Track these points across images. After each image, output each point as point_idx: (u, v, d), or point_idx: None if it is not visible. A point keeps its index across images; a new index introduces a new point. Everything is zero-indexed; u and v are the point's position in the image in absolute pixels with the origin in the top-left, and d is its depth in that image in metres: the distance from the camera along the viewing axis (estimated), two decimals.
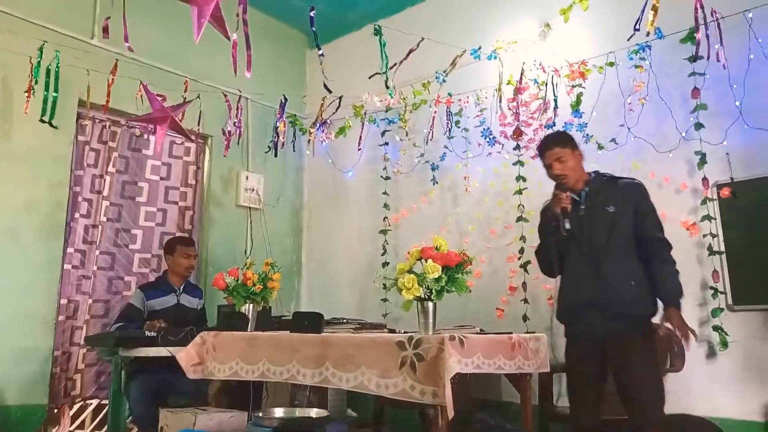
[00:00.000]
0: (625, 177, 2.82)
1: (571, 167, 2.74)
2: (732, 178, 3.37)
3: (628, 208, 2.66)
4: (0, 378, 3.55)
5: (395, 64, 4.26)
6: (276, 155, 5.17)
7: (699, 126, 3.46)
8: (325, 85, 4.17)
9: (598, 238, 2.66)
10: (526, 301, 4.00)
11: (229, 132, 4.78)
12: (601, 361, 2.62)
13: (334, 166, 5.34)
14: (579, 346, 2.71)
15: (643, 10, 3.35)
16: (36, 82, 3.69)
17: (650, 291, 2.63)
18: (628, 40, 3.57)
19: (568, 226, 2.68)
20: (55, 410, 3.84)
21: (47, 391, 3.77)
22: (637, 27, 3.41)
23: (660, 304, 2.63)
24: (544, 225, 2.91)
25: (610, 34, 3.89)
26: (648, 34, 3.45)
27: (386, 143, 4.98)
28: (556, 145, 2.77)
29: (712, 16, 3.36)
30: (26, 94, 3.66)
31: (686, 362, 3.25)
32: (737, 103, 3.37)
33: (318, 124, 5.20)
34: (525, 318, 3.96)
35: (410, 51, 4.26)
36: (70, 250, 4.05)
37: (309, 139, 5.34)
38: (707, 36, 3.35)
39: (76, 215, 4.11)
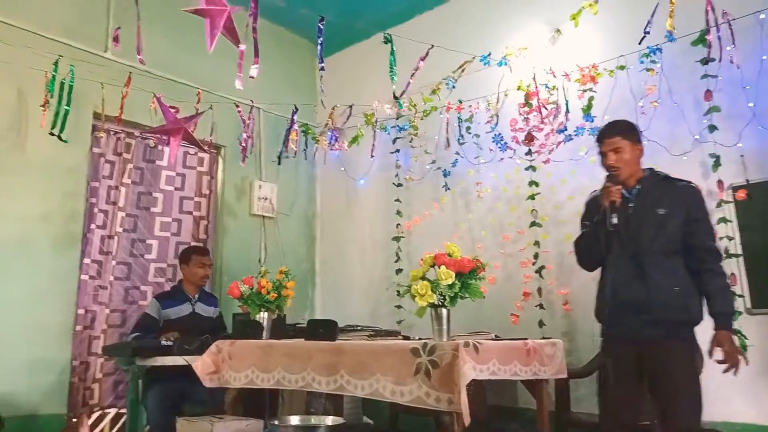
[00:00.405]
0: (682, 179, 2.65)
1: (627, 160, 2.59)
2: (747, 180, 3.35)
3: (681, 212, 2.52)
4: (19, 388, 3.60)
5: (413, 74, 4.25)
6: (279, 163, 5.19)
7: (713, 128, 3.44)
8: (321, 90, 4.18)
9: (644, 239, 2.53)
10: (541, 306, 3.98)
11: (246, 140, 4.82)
12: (637, 364, 2.53)
13: (346, 174, 5.37)
14: (616, 348, 2.62)
15: (653, 14, 3.34)
16: (52, 96, 3.75)
17: (695, 299, 2.51)
18: (639, 43, 3.56)
19: (615, 220, 2.54)
20: (74, 419, 3.89)
21: (66, 401, 3.82)
22: (647, 30, 3.39)
23: (706, 315, 2.52)
24: (587, 216, 2.77)
25: (620, 38, 3.89)
26: (670, 33, 3.43)
27: (397, 150, 5.00)
28: (618, 134, 2.61)
29: (723, 17, 3.34)
30: (41, 106, 3.72)
31: (704, 366, 3.22)
32: (750, 105, 3.35)
33: (329, 133, 5.23)
34: (541, 324, 3.94)
35: (421, 59, 4.26)
36: (86, 260, 4.10)
37: (317, 148, 5.36)
38: (719, 38, 3.34)
39: (93, 226, 4.16)
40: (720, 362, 2.43)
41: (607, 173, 2.64)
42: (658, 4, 3.33)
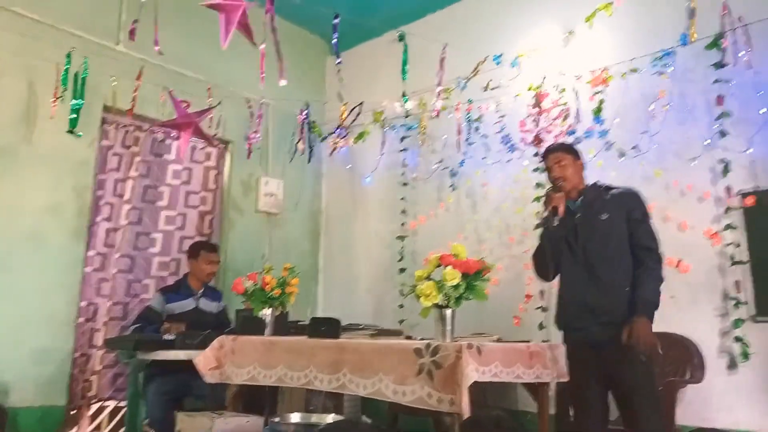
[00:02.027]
0: (620, 186, 2.84)
1: (570, 173, 2.80)
2: (757, 187, 3.31)
3: (622, 216, 2.69)
4: (20, 378, 3.60)
5: (438, 80, 4.24)
6: (291, 161, 5.18)
7: (723, 134, 3.42)
8: (339, 95, 4.17)
9: (592, 245, 2.70)
10: (543, 309, 3.96)
11: (252, 135, 4.82)
12: (600, 367, 2.61)
13: (352, 171, 5.35)
14: (577, 353, 2.71)
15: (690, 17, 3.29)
16: (65, 89, 3.75)
17: None
18: (684, 41, 3.48)
19: (556, 223, 2.72)
20: (72, 411, 3.89)
21: (66, 393, 3.82)
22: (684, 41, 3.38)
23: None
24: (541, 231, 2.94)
25: (633, 41, 3.86)
26: (684, 36, 3.44)
27: (405, 149, 4.98)
28: (559, 150, 2.89)
29: (738, 22, 3.31)
30: (52, 100, 3.72)
31: (706, 374, 3.20)
32: (762, 111, 3.32)
33: (338, 130, 5.22)
34: (541, 326, 3.93)
35: (440, 60, 4.24)
36: (91, 252, 4.10)
37: (330, 145, 5.33)
38: (734, 42, 3.31)
39: (98, 219, 4.17)
40: (628, 345, 2.46)
41: (552, 185, 2.81)
42: (690, 8, 3.29)
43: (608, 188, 2.82)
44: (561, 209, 2.73)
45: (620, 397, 2.58)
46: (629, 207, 2.71)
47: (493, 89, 4.44)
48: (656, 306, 2.56)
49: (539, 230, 2.98)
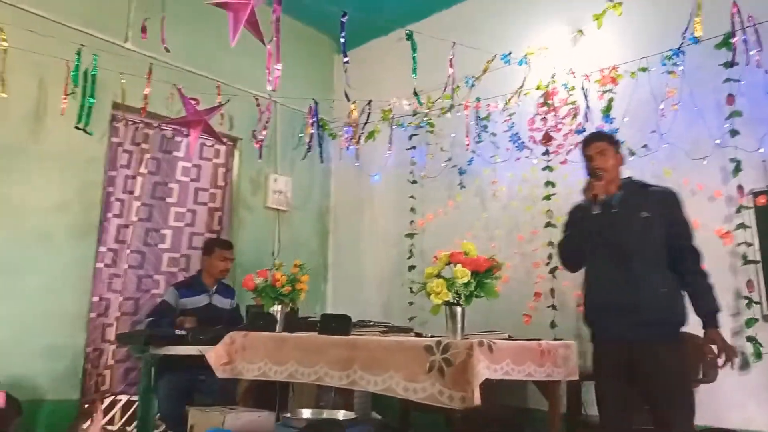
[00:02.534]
0: (659, 185, 2.80)
1: (611, 165, 2.74)
2: None
3: (662, 215, 2.64)
4: (34, 373, 3.64)
5: (449, 79, 4.25)
6: (304, 158, 5.19)
7: (734, 133, 3.41)
8: (345, 94, 4.17)
9: (629, 242, 2.63)
10: (554, 307, 3.96)
11: (261, 132, 4.83)
12: (628, 366, 2.58)
13: (361, 169, 5.36)
14: (606, 351, 2.67)
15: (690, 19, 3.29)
16: (76, 86, 3.77)
17: (680, 300, 2.61)
18: (682, 43, 3.46)
19: (598, 210, 2.67)
20: (86, 405, 3.92)
21: (79, 387, 3.86)
22: (684, 35, 3.36)
23: (693, 315, 2.60)
24: (570, 221, 2.91)
25: (642, 40, 3.86)
26: (693, 36, 3.41)
27: (413, 147, 4.99)
28: (602, 139, 2.82)
29: (748, 21, 3.30)
30: (62, 97, 3.74)
31: (718, 373, 3.19)
32: None
33: (346, 128, 5.22)
34: (553, 325, 3.93)
35: (450, 58, 4.23)
36: (102, 248, 4.13)
37: (342, 144, 5.33)
38: (744, 41, 3.30)
39: (109, 215, 4.20)
40: (713, 359, 2.55)
41: (592, 176, 2.75)
42: (693, 8, 3.29)
43: (645, 185, 2.79)
44: (601, 197, 2.68)
45: (653, 398, 2.53)
46: (669, 207, 2.68)
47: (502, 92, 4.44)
48: (720, 311, 2.58)
49: (564, 218, 2.96)
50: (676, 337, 2.59)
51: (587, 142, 2.83)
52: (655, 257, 2.61)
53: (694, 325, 2.65)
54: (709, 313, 2.56)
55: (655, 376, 2.51)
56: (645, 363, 2.54)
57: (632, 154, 3.74)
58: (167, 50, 3.62)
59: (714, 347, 2.53)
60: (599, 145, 2.77)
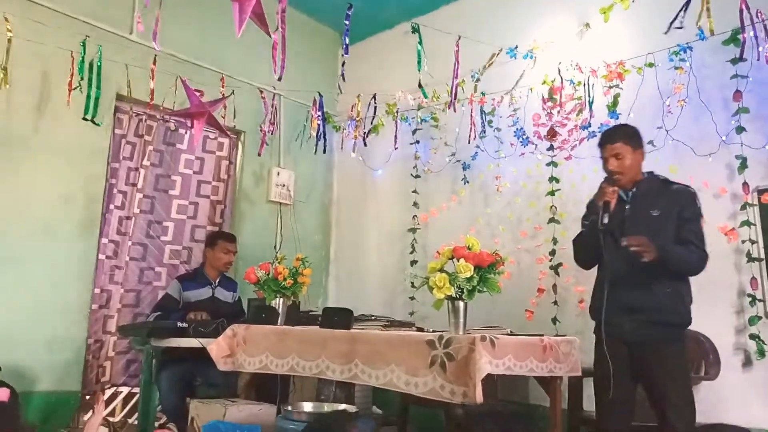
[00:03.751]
0: (680, 182, 2.70)
1: (628, 166, 2.65)
2: None
3: (673, 214, 2.58)
4: (36, 365, 3.64)
5: (454, 73, 4.19)
6: (315, 152, 5.15)
7: (740, 129, 3.38)
8: (339, 87, 4.13)
9: None
10: (556, 303, 3.95)
11: (266, 127, 4.82)
12: (630, 364, 2.58)
13: (364, 163, 5.35)
14: (608, 347, 2.61)
15: (685, 8, 3.25)
16: (82, 78, 3.76)
17: (686, 301, 2.59)
18: (666, 32, 3.43)
19: (606, 220, 2.57)
20: (87, 397, 3.93)
21: (81, 379, 3.86)
22: (680, 26, 3.31)
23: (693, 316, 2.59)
24: (587, 216, 2.84)
25: (650, 35, 3.82)
26: (701, 31, 3.39)
27: (417, 141, 4.97)
28: (620, 139, 2.67)
29: (757, 17, 3.27)
30: (68, 89, 3.73)
31: (721, 370, 3.18)
32: None
33: (349, 122, 5.20)
34: (555, 320, 3.92)
35: (456, 52, 4.17)
36: (104, 240, 4.13)
37: (349, 137, 5.30)
38: (755, 37, 3.26)
39: (111, 207, 4.19)
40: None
41: (607, 177, 2.68)
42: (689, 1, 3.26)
43: (667, 182, 2.70)
44: (612, 204, 2.59)
45: (655, 395, 2.52)
46: (681, 205, 2.59)
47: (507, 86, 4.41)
48: (673, 262, 2.49)
49: (578, 215, 2.92)
50: (680, 338, 2.58)
51: (602, 142, 2.73)
52: None
53: (694, 325, 2.64)
54: (668, 247, 2.49)
55: (659, 376, 2.51)
56: (647, 362, 2.54)
57: None
58: (155, 49, 3.56)
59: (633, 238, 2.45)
60: (614, 147, 2.65)
